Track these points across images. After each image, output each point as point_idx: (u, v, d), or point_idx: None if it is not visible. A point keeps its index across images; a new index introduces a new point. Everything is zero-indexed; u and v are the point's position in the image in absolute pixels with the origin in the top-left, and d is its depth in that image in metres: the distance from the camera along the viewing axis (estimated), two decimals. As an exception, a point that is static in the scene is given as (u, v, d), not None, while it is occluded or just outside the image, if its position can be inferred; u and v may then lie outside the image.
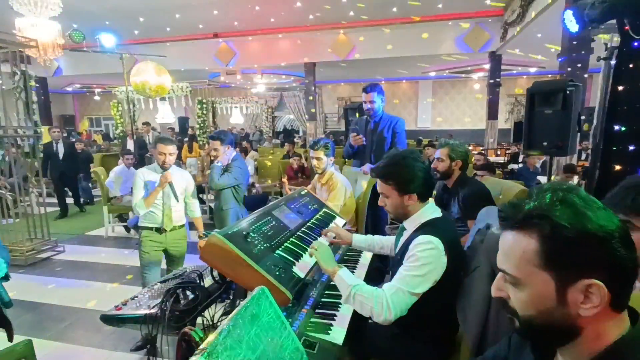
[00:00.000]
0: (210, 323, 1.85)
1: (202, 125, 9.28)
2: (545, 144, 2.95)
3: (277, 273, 1.36)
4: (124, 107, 8.63)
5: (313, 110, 10.61)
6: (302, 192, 2.28)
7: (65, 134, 6.72)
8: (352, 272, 1.80)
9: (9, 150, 4.57)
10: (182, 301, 1.71)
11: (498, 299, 0.70)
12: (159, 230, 2.83)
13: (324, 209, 2.26)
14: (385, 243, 1.87)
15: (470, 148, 9.66)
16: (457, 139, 2.73)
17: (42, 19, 5.46)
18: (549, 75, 12.50)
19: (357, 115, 5.77)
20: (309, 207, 2.14)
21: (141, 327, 1.77)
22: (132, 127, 8.12)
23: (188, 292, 1.72)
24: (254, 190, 6.23)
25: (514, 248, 0.65)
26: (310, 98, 10.34)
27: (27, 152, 4.89)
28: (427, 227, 1.46)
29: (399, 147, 3.30)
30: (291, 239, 1.67)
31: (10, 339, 1.69)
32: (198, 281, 1.86)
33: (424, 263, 1.35)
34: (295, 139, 14.32)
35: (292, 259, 1.52)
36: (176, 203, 2.84)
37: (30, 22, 5.45)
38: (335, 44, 9.51)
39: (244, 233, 1.44)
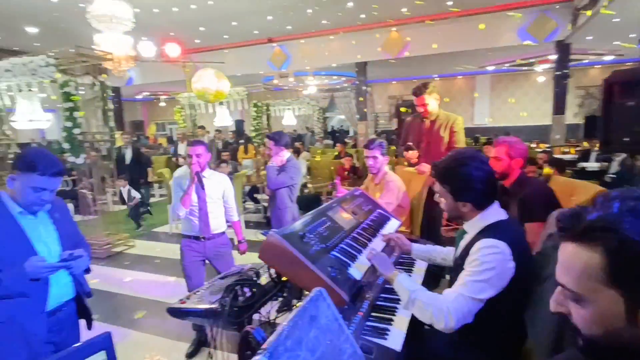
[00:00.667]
0: (266, 320, 1.91)
1: (257, 127, 9.61)
2: (626, 139, 2.65)
3: (333, 274, 1.36)
4: (186, 112, 9.19)
5: (364, 110, 10.52)
6: (356, 193, 2.26)
7: (135, 139, 7.18)
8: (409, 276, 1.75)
9: (90, 154, 5.07)
10: (240, 298, 1.79)
11: (558, 314, 0.64)
12: (197, 238, 2.70)
13: (378, 210, 2.23)
14: (447, 254, 1.78)
15: (533, 146, 8.97)
16: (518, 136, 2.54)
17: (117, 34, 5.98)
18: (628, 64, 11.25)
19: (408, 111, 5.63)
20: (364, 207, 2.12)
21: (203, 321, 1.89)
22: (192, 130, 8.63)
23: (246, 289, 1.78)
24: (305, 190, 6.33)
25: (574, 262, 0.59)
26: (361, 99, 10.27)
27: (104, 155, 5.38)
28: (491, 230, 1.38)
29: (457, 146, 3.16)
30: (346, 240, 1.66)
31: (89, 327, 1.86)
32: (255, 279, 1.93)
33: (487, 268, 1.27)
34: (346, 139, 14.34)
35: (348, 261, 1.51)
36: (213, 209, 2.69)
37: (107, 37, 5.99)
38: (387, 42, 9.35)
39: (300, 233, 1.46)
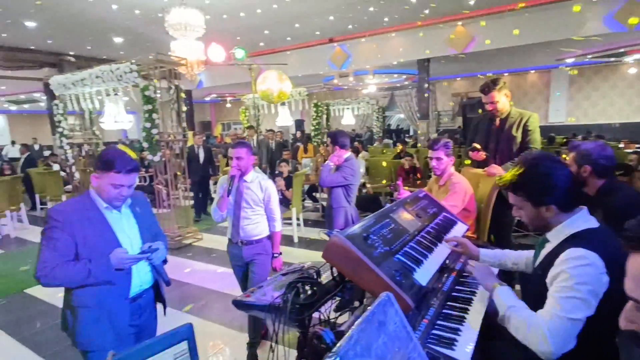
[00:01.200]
0: (326, 319, 1.92)
1: (316, 127, 9.74)
2: None
3: (398, 278, 1.32)
4: (250, 113, 9.59)
5: (426, 108, 10.16)
6: (420, 195, 2.18)
7: (204, 138, 7.58)
8: (477, 288, 1.65)
9: (165, 152, 5.50)
10: (301, 296, 1.82)
11: (629, 332, 0.58)
12: (235, 242, 2.63)
13: (444, 213, 2.13)
14: (518, 258, 1.65)
15: (621, 146, 7.99)
16: (603, 136, 2.25)
17: (190, 41, 6.42)
18: None
19: (479, 111, 5.31)
20: (428, 210, 2.04)
21: (265, 315, 1.95)
22: (256, 130, 8.95)
23: (307, 287, 1.81)
24: (364, 191, 6.28)
25: None
26: (426, 95, 9.89)
27: (177, 154, 5.79)
28: (578, 240, 1.24)
29: (531, 147, 2.92)
30: (411, 244, 1.61)
31: (165, 312, 2.02)
32: (316, 277, 1.95)
33: (579, 282, 1.15)
34: (406, 139, 13.97)
35: (413, 265, 1.46)
36: (251, 215, 2.57)
37: (181, 44, 6.46)
38: (453, 36, 8.92)
39: (364, 235, 1.44)
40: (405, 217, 1.80)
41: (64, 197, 7.44)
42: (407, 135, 16.20)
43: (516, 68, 13.44)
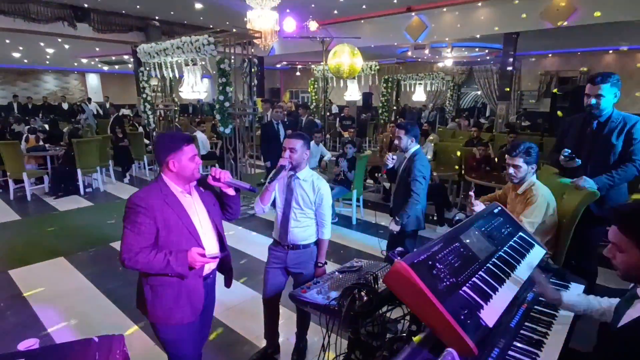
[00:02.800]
0: (380, 328, 1.91)
1: (385, 103, 9.40)
2: None
3: (462, 317, 1.24)
4: (319, 85, 9.50)
5: (507, 89, 9.25)
6: (495, 210, 2.00)
7: (285, 112, 7.38)
8: (550, 329, 1.50)
9: (237, 122, 5.68)
10: (357, 302, 1.81)
11: None
12: (280, 244, 2.43)
13: (520, 233, 1.95)
14: (609, 309, 1.45)
15: None
16: None
17: (265, 11, 6.41)
18: None
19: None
20: (502, 230, 1.87)
21: (319, 315, 1.99)
22: (324, 103, 8.89)
23: (363, 293, 1.79)
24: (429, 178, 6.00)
25: None
26: (509, 71, 8.95)
27: (246, 127, 5.95)
28: None
29: (636, 159, 2.52)
30: (480, 273, 1.50)
31: (229, 284, 2.14)
32: (373, 284, 1.92)
33: None
34: (481, 120, 12.96)
35: (481, 301, 1.36)
36: (301, 218, 2.35)
37: (257, 13, 6.48)
38: (549, 8, 7.85)
39: (430, 263, 1.36)
40: (476, 239, 1.67)
41: (145, 158, 8.16)
42: (483, 115, 15.04)
43: (621, 45, 11.55)
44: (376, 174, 7.00)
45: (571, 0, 7.62)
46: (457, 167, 5.99)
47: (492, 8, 8.70)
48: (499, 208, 2.06)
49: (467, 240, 1.63)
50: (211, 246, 1.88)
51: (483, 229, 1.79)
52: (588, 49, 12.06)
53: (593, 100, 2.56)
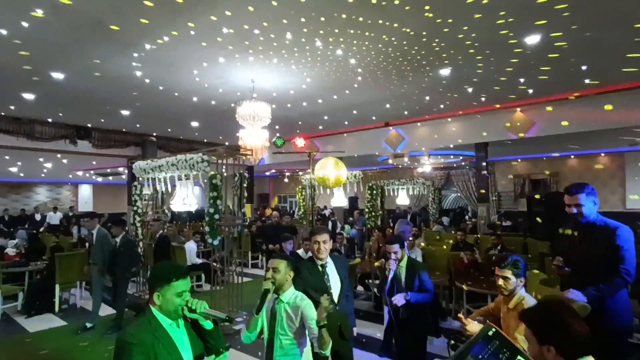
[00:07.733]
0: None
1: (370, 209, 9.74)
2: None
3: None
4: (306, 192, 9.90)
5: (483, 191, 9.78)
6: (490, 333, 1.97)
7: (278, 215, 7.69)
8: None
9: (225, 233, 5.72)
10: None
11: None
12: None
13: (519, 357, 1.90)
14: None
15: None
16: None
17: (256, 129, 7.01)
18: None
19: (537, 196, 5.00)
20: (500, 355, 1.83)
21: None
22: (311, 208, 9.15)
23: None
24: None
25: None
26: (484, 172, 9.57)
27: (235, 237, 6.00)
28: None
29: (625, 269, 2.54)
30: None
31: None
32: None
33: None
34: (465, 220, 13.34)
35: None
36: (283, 344, 2.22)
37: (249, 132, 7.06)
38: (512, 121, 8.83)
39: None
40: (472, 367, 1.63)
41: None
42: (466, 213, 15.56)
43: (585, 150, 12.73)
44: (366, 281, 6.88)
45: (530, 115, 8.63)
46: (447, 271, 5.99)
47: (461, 122, 9.71)
48: (494, 330, 2.04)
49: (465, 370, 1.59)
50: None
51: (480, 356, 1.75)
52: (552, 154, 13.20)
53: (574, 210, 2.70)
